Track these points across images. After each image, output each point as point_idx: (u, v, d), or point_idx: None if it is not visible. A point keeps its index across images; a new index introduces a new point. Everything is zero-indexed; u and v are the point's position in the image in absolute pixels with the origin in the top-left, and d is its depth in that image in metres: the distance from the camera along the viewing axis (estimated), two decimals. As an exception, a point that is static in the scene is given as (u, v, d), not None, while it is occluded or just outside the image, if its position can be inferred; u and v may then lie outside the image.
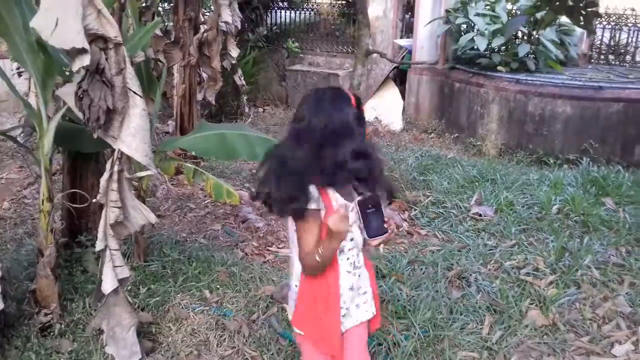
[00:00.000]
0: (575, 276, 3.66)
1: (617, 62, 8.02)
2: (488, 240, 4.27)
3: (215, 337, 2.99)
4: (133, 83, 2.26)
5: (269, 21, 10.53)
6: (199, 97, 6.39)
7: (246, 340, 2.99)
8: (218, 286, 3.44)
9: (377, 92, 9.02)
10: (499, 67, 7.21)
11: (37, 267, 2.73)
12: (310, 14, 10.52)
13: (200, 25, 6.17)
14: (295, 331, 2.07)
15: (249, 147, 3.33)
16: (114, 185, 2.38)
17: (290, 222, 1.94)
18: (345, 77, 9.42)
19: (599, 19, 3.25)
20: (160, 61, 5.81)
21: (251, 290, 3.43)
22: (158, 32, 5.95)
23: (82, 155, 3.37)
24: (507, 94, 6.94)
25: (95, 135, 2.26)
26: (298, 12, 10.58)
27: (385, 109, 8.66)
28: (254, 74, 9.61)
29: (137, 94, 2.26)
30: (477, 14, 7.30)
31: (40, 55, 2.43)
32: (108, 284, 2.43)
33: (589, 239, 4.18)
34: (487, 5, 7.60)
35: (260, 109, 9.56)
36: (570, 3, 3.22)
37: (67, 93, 2.41)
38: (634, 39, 7.86)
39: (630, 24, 7.82)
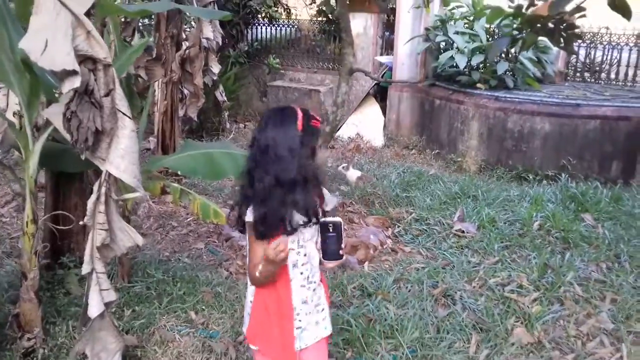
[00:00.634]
0: (559, 293, 3.70)
1: (593, 80, 8.21)
2: (472, 257, 4.31)
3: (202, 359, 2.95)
4: (122, 104, 2.23)
5: (249, 37, 10.56)
6: (180, 113, 6.37)
7: (233, 363, 2.95)
8: (203, 307, 3.40)
9: (358, 108, 9.09)
10: (478, 85, 7.33)
11: (21, 290, 2.66)
12: (290, 30, 10.58)
13: (183, 42, 6.15)
14: (250, 347, 2.08)
15: (235, 166, 3.31)
16: (101, 207, 2.34)
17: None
18: (327, 93, 9.48)
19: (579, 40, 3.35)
20: (141, 77, 5.77)
21: (237, 311, 3.39)
22: (139, 47, 5.92)
23: (65, 174, 3.31)
24: (486, 111, 7.05)
25: (83, 157, 2.22)
26: (279, 28, 10.63)
27: (366, 125, 8.74)
28: (235, 90, 9.60)
29: (126, 115, 2.24)
30: (457, 32, 7.44)
31: (26, 76, 2.40)
32: (94, 308, 2.38)
33: (570, 255, 4.24)
34: (466, 23, 7.74)
35: (242, 125, 9.55)
36: (551, 25, 3.29)
37: (54, 113, 2.37)
38: (609, 57, 8.06)
39: (605, 42, 8.02)
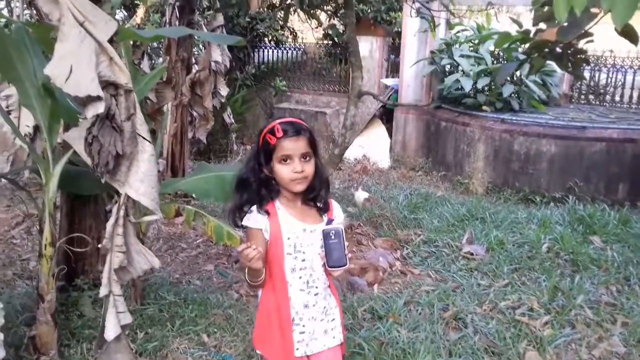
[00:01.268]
0: (570, 316, 3.69)
1: (598, 102, 8.28)
2: (481, 280, 4.31)
3: (215, 382, 2.95)
4: (142, 128, 2.28)
5: (256, 60, 10.69)
6: (190, 135, 6.44)
7: (246, 385, 2.95)
8: (215, 330, 3.40)
9: (364, 130, 9.16)
10: (484, 107, 7.40)
11: (37, 312, 2.68)
12: (297, 53, 10.71)
13: (193, 65, 6.25)
14: (257, 353, 2.10)
15: (247, 189, 3.34)
16: (120, 230, 2.38)
17: None
18: (333, 114, 9.56)
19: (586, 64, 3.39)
20: (151, 100, 5.84)
21: (248, 333, 3.39)
22: (147, 70, 6.02)
23: (80, 197, 3.35)
24: (492, 133, 7.10)
25: (103, 180, 2.27)
26: (285, 51, 10.76)
27: (372, 146, 8.80)
28: (242, 112, 9.71)
29: (146, 139, 2.28)
30: (462, 55, 7.53)
31: (48, 101, 2.45)
32: (111, 331, 2.40)
33: (579, 277, 4.23)
34: (471, 47, 7.84)
35: (248, 147, 9.61)
36: (559, 50, 3.34)
37: (74, 137, 2.42)
38: (613, 80, 8.13)
39: (609, 65, 8.10)
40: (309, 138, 1.97)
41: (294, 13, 7.76)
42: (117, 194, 2.44)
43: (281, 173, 1.93)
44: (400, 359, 3.15)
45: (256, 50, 10.69)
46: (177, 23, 5.80)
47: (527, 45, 3.45)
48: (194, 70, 6.16)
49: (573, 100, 8.39)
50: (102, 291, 2.38)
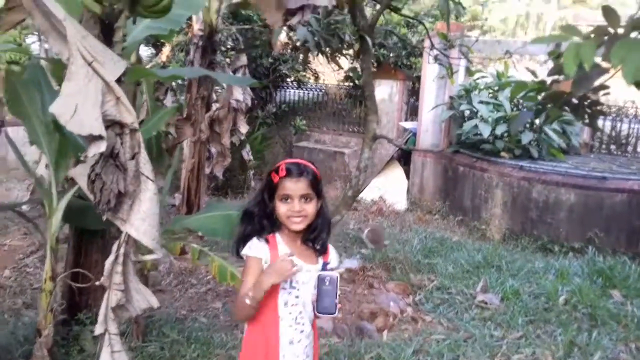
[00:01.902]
0: (585, 374, 3.55)
1: (619, 152, 8.15)
2: (494, 331, 4.17)
3: None
4: (146, 168, 2.29)
5: (278, 99, 10.83)
6: (207, 171, 6.48)
7: None
8: (216, 371, 3.34)
9: (382, 171, 9.14)
10: (502, 153, 7.33)
11: (34, 347, 2.66)
12: (318, 93, 10.83)
13: (212, 103, 6.34)
14: None
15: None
16: (119, 268, 2.36)
17: None
18: (351, 155, 9.57)
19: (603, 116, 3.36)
20: (170, 134, 5.93)
21: (250, 376, 3.31)
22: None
23: (88, 231, 3.36)
24: (510, 180, 7.01)
25: (104, 218, 2.27)
26: (306, 91, 10.89)
27: (389, 188, 8.75)
28: (262, 150, 9.78)
29: (149, 179, 2.28)
30: (481, 102, 7.52)
31: (56, 137, 2.48)
32: (105, 370, 2.36)
33: (597, 333, 4.08)
34: (490, 93, 7.83)
35: (265, 184, 9.64)
36: (575, 101, 3.30)
37: (79, 174, 2.44)
38: (635, 130, 8.02)
39: (630, 116, 8.01)
40: (311, 180, 1.99)
41: (315, 57, 7.87)
42: (120, 231, 2.43)
43: (280, 210, 1.98)
44: (404, 413, 3.04)
45: (278, 89, 10.84)
46: (199, 62, 5.92)
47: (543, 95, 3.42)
48: (213, 108, 6.25)
49: (594, 149, 8.29)
50: (98, 329, 2.36)
